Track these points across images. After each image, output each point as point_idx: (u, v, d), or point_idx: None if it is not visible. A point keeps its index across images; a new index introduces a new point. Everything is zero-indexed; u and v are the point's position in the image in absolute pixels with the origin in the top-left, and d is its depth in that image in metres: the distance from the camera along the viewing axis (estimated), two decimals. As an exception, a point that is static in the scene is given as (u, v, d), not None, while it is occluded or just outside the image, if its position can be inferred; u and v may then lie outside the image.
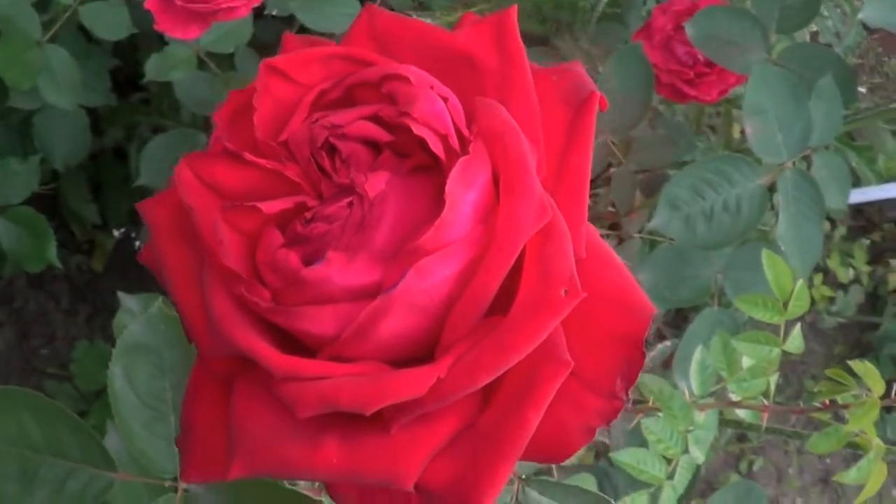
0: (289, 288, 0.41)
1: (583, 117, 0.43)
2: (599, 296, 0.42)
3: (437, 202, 0.40)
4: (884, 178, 1.19)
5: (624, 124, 1.06)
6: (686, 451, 0.83)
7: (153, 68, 1.08)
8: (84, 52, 1.25)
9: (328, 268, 0.40)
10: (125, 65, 1.35)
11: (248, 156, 0.43)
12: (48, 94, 1.12)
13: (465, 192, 0.39)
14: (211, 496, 0.60)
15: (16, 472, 0.65)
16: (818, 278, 2.02)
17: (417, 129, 0.41)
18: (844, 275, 2.06)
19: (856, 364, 0.78)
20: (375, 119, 0.43)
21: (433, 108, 0.41)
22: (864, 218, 2.14)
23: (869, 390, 0.78)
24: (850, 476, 0.80)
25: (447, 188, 0.39)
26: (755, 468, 1.92)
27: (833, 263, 2.05)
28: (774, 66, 0.98)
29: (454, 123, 0.42)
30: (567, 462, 0.92)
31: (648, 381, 0.86)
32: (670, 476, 0.82)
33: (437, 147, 0.41)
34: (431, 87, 0.42)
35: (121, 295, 1.03)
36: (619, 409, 0.41)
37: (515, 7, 0.45)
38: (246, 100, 0.45)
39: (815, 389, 0.81)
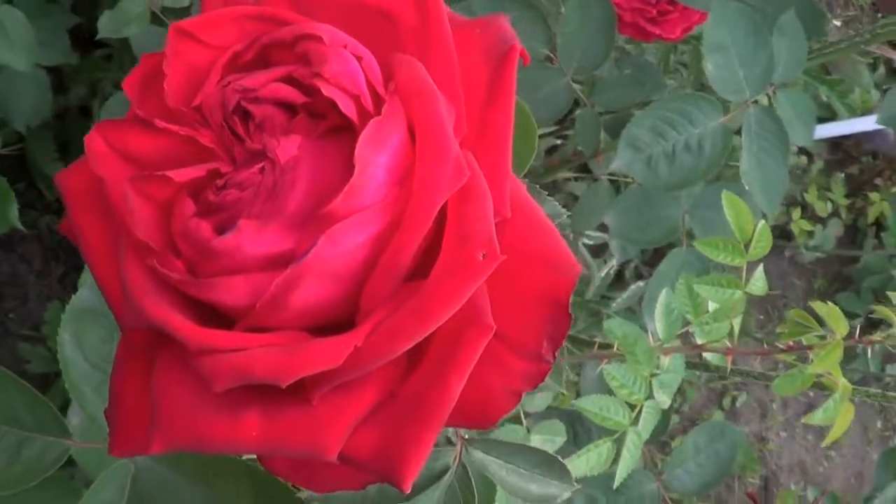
0: (202, 258, 0.40)
1: (503, 72, 0.42)
2: (524, 255, 0.41)
3: (352, 165, 0.39)
4: (857, 112, 1.18)
5: (586, 65, 1.05)
6: (651, 396, 0.82)
7: (106, 25, 1.06)
8: (41, 11, 1.23)
9: (239, 236, 0.38)
10: (88, 22, 1.33)
11: (159, 122, 0.42)
12: (2, 54, 1.09)
13: (375, 154, 0.38)
14: (158, 466, 0.59)
15: (-31, 441, 0.65)
16: (797, 213, 2.01)
17: (328, 91, 0.39)
18: (823, 208, 2.05)
19: (818, 305, 0.77)
20: (289, 80, 0.42)
21: (345, 68, 0.40)
22: (842, 151, 2.12)
23: (832, 332, 0.77)
24: (816, 417, 0.79)
25: (356, 152, 0.37)
26: (738, 404, 1.93)
27: (811, 197, 2.04)
28: (734, 2, 0.96)
29: (369, 83, 0.40)
30: (535, 409, 0.92)
31: (613, 325, 0.85)
32: (635, 422, 0.81)
33: (348, 108, 0.39)
34: (345, 46, 0.40)
35: (85, 255, 1.01)
36: (545, 371, 0.40)
37: (432, -42, 0.43)
38: (159, 65, 0.43)
39: (777, 331, 0.80)
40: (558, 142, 1.36)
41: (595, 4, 1.05)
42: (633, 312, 1.32)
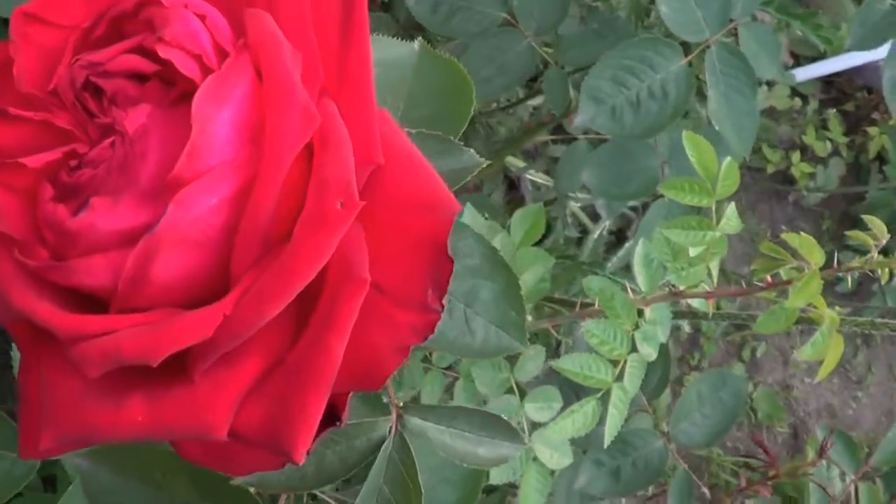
0: (63, 242, 0.38)
1: (353, 12, 0.40)
2: (399, 201, 0.39)
3: (199, 127, 0.37)
4: (834, 44, 1.14)
5: (546, 25, 1.03)
6: (634, 349, 0.80)
7: None
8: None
9: (92, 214, 0.37)
10: None
11: (12, 110, 0.40)
12: None
13: (216, 111, 0.36)
14: (101, 471, 0.57)
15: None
16: (796, 156, 1.97)
17: (165, 52, 0.37)
18: (822, 148, 2.00)
19: (790, 236, 0.74)
20: (140, 51, 0.39)
21: (186, 28, 0.38)
22: (835, 89, 2.08)
23: (808, 263, 0.74)
24: (805, 352, 0.77)
25: (193, 109, 0.35)
26: (759, 354, 1.89)
27: (809, 139, 1.99)
28: (686, -60, 0.94)
29: (214, 42, 0.38)
30: (526, 377, 0.90)
31: (591, 282, 0.83)
32: (619, 378, 0.79)
33: (189, 69, 0.37)
34: (185, 6, 0.38)
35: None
36: (434, 321, 0.38)
37: None
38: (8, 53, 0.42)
39: (752, 268, 0.78)
40: (537, 101, 1.33)
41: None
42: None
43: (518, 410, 0.86)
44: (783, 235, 0.75)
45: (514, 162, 1.29)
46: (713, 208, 0.78)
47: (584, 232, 1.39)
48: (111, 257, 0.37)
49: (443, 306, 0.38)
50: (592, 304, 0.85)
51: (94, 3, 0.41)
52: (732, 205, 0.79)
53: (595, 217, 1.42)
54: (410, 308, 0.38)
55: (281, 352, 0.38)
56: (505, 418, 0.54)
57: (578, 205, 1.31)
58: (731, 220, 0.79)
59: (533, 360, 0.87)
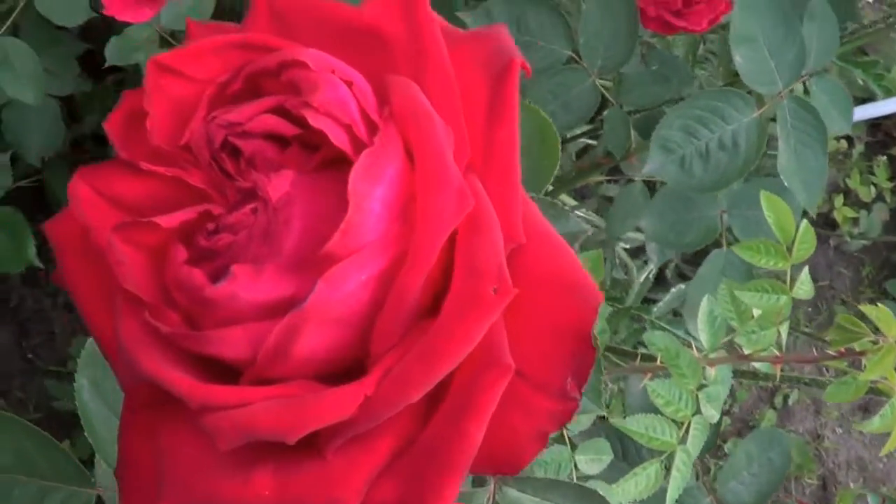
0: (197, 309, 0.38)
1: (504, 87, 0.39)
2: (541, 284, 0.39)
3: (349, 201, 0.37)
4: (894, 92, 1.15)
5: (611, 63, 1.02)
6: (698, 411, 0.80)
7: (113, 52, 1.05)
8: (50, 39, 1.22)
9: (234, 284, 0.36)
10: (98, 47, 1.32)
11: (144, 165, 0.40)
12: (11, 88, 1.08)
13: (371, 187, 0.36)
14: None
15: (-10, 497, 0.65)
16: (839, 199, 1.97)
17: (316, 121, 0.37)
18: (867, 193, 2.00)
19: (868, 308, 0.74)
20: (279, 111, 0.40)
21: (335, 95, 0.38)
22: (882, 132, 2.08)
23: (883, 335, 0.74)
24: (873, 425, 0.77)
25: (350, 186, 0.35)
26: (791, 402, 1.89)
27: (854, 183, 1.99)
28: (761, -10, 0.94)
29: (361, 109, 0.38)
30: (580, 429, 0.89)
31: (655, 338, 0.82)
32: (683, 440, 0.79)
33: (340, 139, 0.37)
34: (333, 71, 0.38)
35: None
36: (572, 409, 0.38)
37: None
38: (142, 103, 0.42)
39: (828, 338, 0.77)
40: (592, 142, 1.33)
41: (617, 0, 1.03)
42: (677, 315, 1.29)
43: (568, 461, 0.86)
44: (861, 307, 0.75)
45: (567, 200, 1.29)
46: (787, 271, 0.78)
47: (625, 272, 1.39)
48: (251, 329, 0.36)
49: (581, 394, 0.38)
50: (650, 356, 0.85)
51: (228, 57, 0.41)
52: (806, 269, 0.79)
53: (633, 254, 1.42)
54: (549, 395, 0.38)
55: (413, 432, 0.38)
56: (599, 492, 0.54)
57: (626, 246, 1.31)
58: (804, 285, 0.79)
59: (587, 414, 0.87)
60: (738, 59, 0.90)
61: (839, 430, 1.92)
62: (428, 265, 0.36)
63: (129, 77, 1.37)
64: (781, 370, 0.85)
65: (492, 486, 0.51)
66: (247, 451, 0.37)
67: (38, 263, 1.16)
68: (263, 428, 0.36)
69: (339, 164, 0.39)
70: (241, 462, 0.38)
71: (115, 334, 0.40)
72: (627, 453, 1.00)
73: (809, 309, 1.94)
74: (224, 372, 0.38)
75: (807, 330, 1.83)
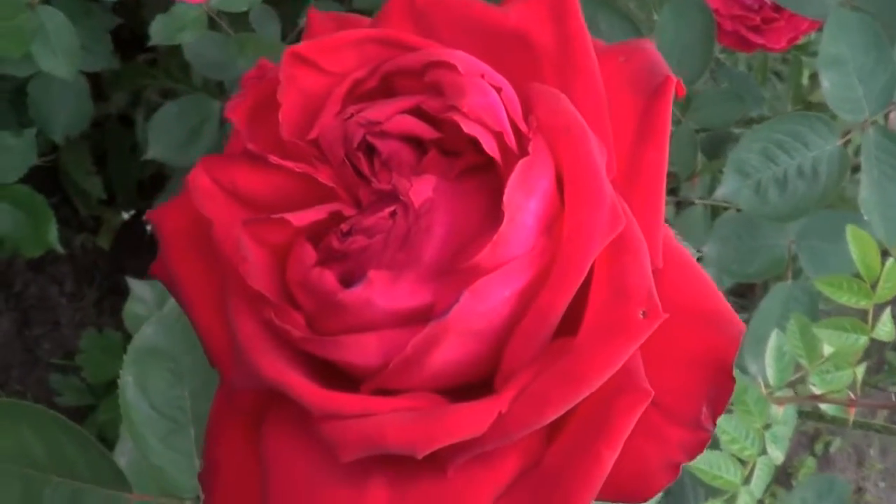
0: (325, 312, 0.39)
1: (657, 106, 0.41)
2: (680, 311, 0.39)
3: (493, 210, 0.38)
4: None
5: (683, 78, 1.03)
6: (763, 451, 0.81)
7: (159, 31, 1.06)
8: (82, 12, 1.22)
9: (370, 289, 0.37)
10: (129, 23, 1.33)
11: (273, 158, 0.41)
12: (44, 61, 1.09)
13: (526, 200, 0.37)
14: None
15: (18, 494, 0.64)
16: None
17: (468, 127, 0.38)
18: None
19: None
20: (418, 113, 0.41)
21: (485, 101, 0.39)
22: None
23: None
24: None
25: (506, 197, 0.36)
26: (832, 450, 1.90)
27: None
28: (853, 11, 0.95)
29: (510, 118, 0.39)
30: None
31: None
32: (747, 480, 0.80)
33: (490, 147, 0.38)
34: (482, 76, 0.39)
35: (131, 281, 1.02)
36: (705, 440, 0.39)
37: (575, -25, 0.43)
38: (267, 93, 0.43)
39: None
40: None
41: (692, 12, 1.04)
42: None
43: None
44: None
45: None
46: (870, 311, 0.79)
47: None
48: (385, 336, 0.37)
49: (715, 425, 0.39)
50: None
51: (366, 52, 0.43)
52: (888, 309, 0.81)
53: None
54: (683, 425, 0.39)
55: (536, 453, 0.39)
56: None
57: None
58: (885, 325, 0.80)
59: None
60: (825, 82, 0.91)
61: (882, 485, 1.93)
62: (576, 283, 0.37)
63: (162, 57, 1.38)
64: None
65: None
66: (362, 463, 0.38)
67: (59, 248, 1.16)
68: (393, 440, 0.37)
69: (479, 172, 0.40)
70: (355, 474, 0.39)
71: (225, 333, 0.42)
72: (670, 493, 1.01)
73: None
74: (336, 379, 0.39)
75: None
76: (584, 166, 0.38)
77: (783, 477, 1.83)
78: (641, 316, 0.37)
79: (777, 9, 1.08)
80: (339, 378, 0.39)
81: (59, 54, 1.10)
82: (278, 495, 0.40)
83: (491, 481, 0.38)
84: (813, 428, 1.91)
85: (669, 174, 1.15)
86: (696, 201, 1.13)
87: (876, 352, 1.98)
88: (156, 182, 1.53)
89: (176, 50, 1.18)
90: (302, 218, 0.40)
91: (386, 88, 0.42)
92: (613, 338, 0.37)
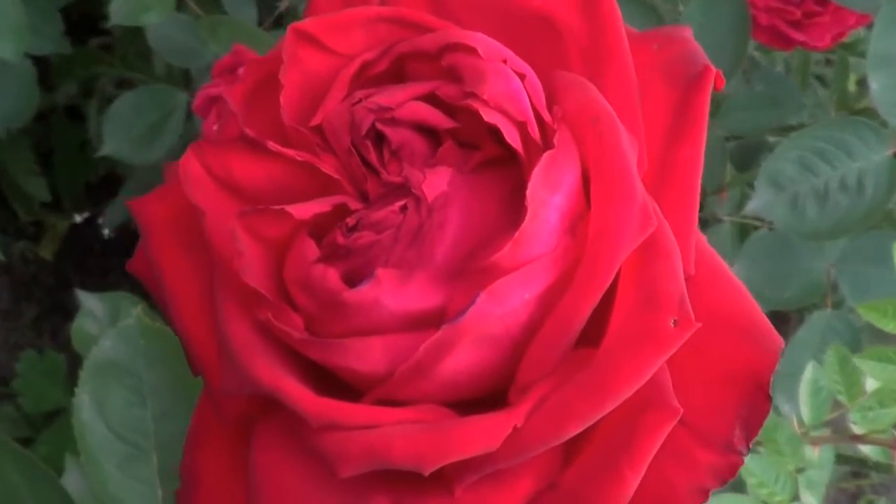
0: (327, 313, 0.41)
1: (694, 100, 0.43)
2: (713, 322, 0.41)
3: (512, 207, 0.40)
4: None
5: (717, 91, 1.05)
6: (797, 497, 0.83)
7: (120, 10, 1.08)
8: (32, -13, 1.24)
9: (377, 289, 0.39)
10: (81, 2, 1.34)
11: (272, 145, 0.43)
12: (-13, 40, 1.11)
13: (550, 196, 0.39)
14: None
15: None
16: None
17: (488, 115, 0.40)
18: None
19: None
20: (433, 100, 0.43)
21: (508, 88, 0.41)
22: None
23: None
24: None
25: (529, 191, 0.38)
26: (877, 510, 1.92)
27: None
28: (906, 4, 0.97)
29: (533, 107, 0.41)
30: None
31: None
32: (776, 529, 0.82)
33: (513, 138, 0.40)
34: (505, 61, 0.42)
35: (80, 294, 1.03)
36: (737, 465, 0.41)
37: (606, -47, 0.45)
38: (266, 74, 0.45)
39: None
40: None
41: (723, 2, 1.06)
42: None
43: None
44: None
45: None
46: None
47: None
48: (392, 341, 0.39)
49: (749, 448, 0.41)
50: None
51: (376, 32, 0.45)
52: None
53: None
54: (713, 447, 0.41)
55: (551, 473, 0.41)
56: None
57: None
58: (934, 356, 0.83)
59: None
60: (874, 84, 0.93)
61: (929, 551, 1.95)
62: (602, 288, 0.39)
63: (118, 42, 1.40)
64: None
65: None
66: (362, 480, 0.40)
67: (-1, 256, 1.18)
68: (398, 455, 0.39)
69: (497, 165, 0.43)
70: (354, 492, 0.41)
71: (214, 335, 0.44)
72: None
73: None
74: (336, 387, 0.41)
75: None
76: (613, 161, 0.40)
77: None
78: (672, 325, 0.39)
79: (821, 2, 1.10)
80: (340, 387, 0.41)
81: (4, 34, 1.12)
82: (267, 508, 0.42)
83: (504, 503, 0.41)
84: (853, 485, 1.92)
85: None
86: (724, 218, 1.15)
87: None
88: (107, 184, 1.54)
89: (135, 34, 1.20)
90: (304, 210, 0.42)
91: (398, 72, 0.44)
92: (641, 348, 0.39)
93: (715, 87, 0.44)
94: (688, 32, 0.45)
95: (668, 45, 0.45)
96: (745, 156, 1.15)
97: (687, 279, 0.41)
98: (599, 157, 0.40)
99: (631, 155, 0.41)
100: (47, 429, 1.45)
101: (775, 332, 0.42)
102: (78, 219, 1.59)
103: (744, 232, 1.16)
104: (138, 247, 0.47)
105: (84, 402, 0.73)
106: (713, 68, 0.43)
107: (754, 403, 0.41)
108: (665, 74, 0.44)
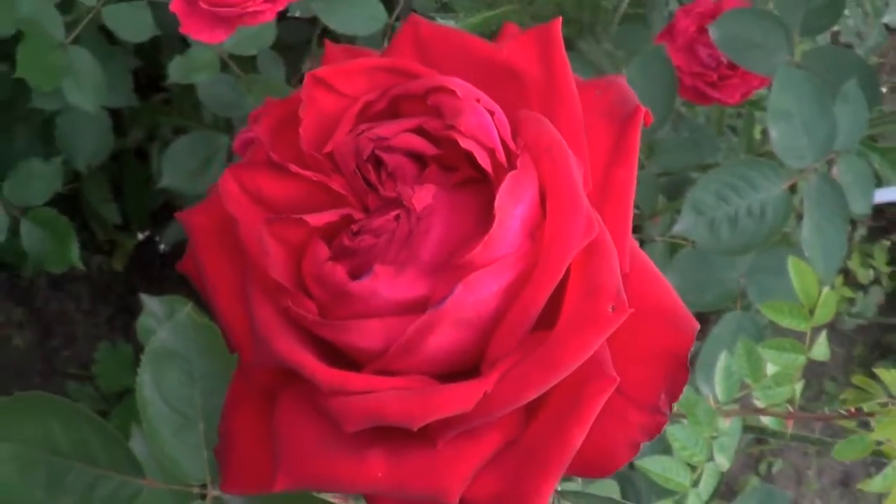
0: (335, 301, 0.41)
1: (628, 132, 0.43)
2: (643, 310, 0.41)
3: (484, 216, 0.40)
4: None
5: (647, 127, 1.06)
6: (711, 458, 0.83)
7: (176, 71, 1.08)
8: (106, 54, 1.24)
9: (375, 281, 0.40)
10: (147, 65, 1.35)
11: (293, 167, 0.43)
12: (72, 95, 1.11)
13: (513, 206, 0.39)
14: (242, 504, 0.60)
15: (42, 479, 0.65)
16: (838, 279, 2.01)
17: (465, 143, 0.41)
18: (865, 276, 2.05)
19: (883, 373, 0.78)
20: (420, 132, 0.43)
21: (480, 122, 0.41)
22: (885, 219, 2.13)
23: (894, 398, 0.78)
24: (874, 485, 0.80)
25: (497, 203, 0.39)
26: (774, 470, 1.92)
27: (853, 264, 2.04)
28: (798, 70, 0.98)
29: (500, 137, 0.42)
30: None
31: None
32: (695, 483, 0.82)
33: (484, 161, 0.41)
34: (478, 101, 0.42)
35: (144, 297, 1.03)
36: (662, 423, 0.41)
37: (560, 19, 0.45)
38: (288, 111, 0.45)
39: (841, 398, 0.81)
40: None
41: (658, 65, 1.06)
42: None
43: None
44: (876, 370, 0.78)
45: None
46: (808, 333, 0.82)
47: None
48: (387, 323, 0.40)
49: (671, 410, 0.41)
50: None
51: (375, 79, 0.45)
52: (824, 333, 0.83)
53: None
54: (643, 409, 0.41)
55: (516, 431, 0.41)
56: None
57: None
58: (820, 347, 0.83)
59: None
60: (773, 132, 0.93)
61: (818, 503, 1.95)
62: (555, 281, 0.39)
63: (176, 97, 1.40)
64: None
65: (552, 499, 0.55)
66: (364, 435, 0.40)
67: (80, 265, 1.18)
68: (391, 413, 0.39)
69: (473, 184, 0.43)
70: (357, 445, 0.41)
71: (245, 319, 0.44)
72: (627, 499, 1.03)
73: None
74: (341, 362, 0.41)
75: (798, 404, 1.86)
76: (563, 181, 0.40)
77: (730, 494, 1.85)
78: (610, 311, 0.39)
79: (732, 66, 1.10)
80: (345, 361, 0.41)
81: (86, 90, 1.12)
82: (288, 462, 0.42)
83: (475, 454, 0.40)
84: (758, 450, 1.93)
85: (633, 213, 1.17)
86: (657, 238, 1.15)
87: (817, 383, 2.01)
88: (166, 210, 1.55)
89: (188, 90, 1.20)
90: (317, 219, 0.42)
91: (393, 110, 0.44)
92: (585, 329, 0.39)
93: (644, 124, 0.44)
94: (623, 80, 0.45)
95: (608, 89, 0.45)
96: (673, 188, 1.16)
97: (623, 276, 0.41)
98: (553, 178, 0.41)
99: (578, 176, 0.41)
100: (119, 405, 1.45)
101: (692, 318, 0.42)
102: (140, 237, 1.59)
103: (673, 249, 1.16)
104: (186, 250, 0.47)
105: (145, 381, 0.73)
106: (643, 108, 0.44)
107: (676, 374, 0.42)
108: (605, 113, 0.44)
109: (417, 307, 0.39)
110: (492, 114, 0.42)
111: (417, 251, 0.41)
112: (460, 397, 0.39)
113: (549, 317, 0.40)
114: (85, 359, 1.57)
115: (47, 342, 1.60)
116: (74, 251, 1.18)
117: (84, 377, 1.56)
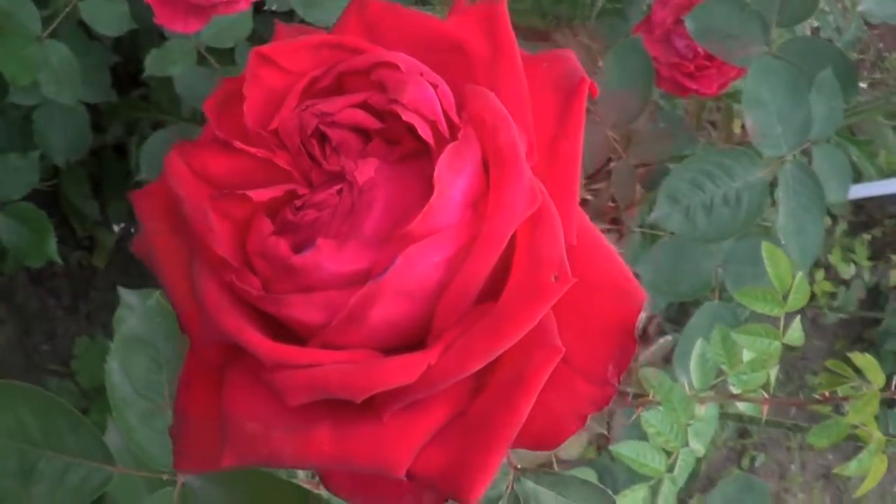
0: (279, 275, 0.41)
1: (573, 103, 0.43)
2: (591, 282, 0.42)
3: (427, 189, 0.40)
4: (884, 173, 1.19)
5: (624, 118, 1.06)
6: (686, 444, 0.83)
7: (153, 63, 1.08)
8: (84, 49, 1.24)
9: (318, 255, 0.40)
10: (126, 61, 1.35)
11: (237, 144, 0.43)
12: (49, 89, 1.12)
13: (454, 178, 0.39)
14: (208, 489, 0.60)
15: (14, 467, 0.65)
16: (819, 274, 2.02)
17: (406, 116, 0.41)
18: (846, 270, 2.06)
19: (856, 356, 0.78)
20: (365, 106, 0.43)
21: (422, 95, 0.41)
22: (866, 213, 2.14)
23: (869, 382, 0.78)
24: (850, 468, 0.80)
25: (436, 174, 0.39)
26: (757, 464, 1.92)
27: (835, 259, 2.05)
28: (774, 59, 0.98)
29: (444, 110, 0.42)
30: (567, 456, 0.93)
31: (649, 374, 0.86)
32: (670, 469, 0.82)
33: (426, 133, 0.41)
34: (421, 74, 0.42)
35: (120, 290, 1.03)
36: (610, 395, 0.41)
37: (507, -5, 0.45)
38: (236, 88, 0.45)
39: (816, 382, 0.81)
40: (589, 197, 1.37)
41: (634, 57, 1.07)
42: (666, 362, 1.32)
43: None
44: (850, 354, 0.78)
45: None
46: (781, 319, 0.82)
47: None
48: (330, 296, 0.39)
49: (620, 381, 0.41)
50: (640, 395, 0.88)
51: (321, 55, 0.45)
52: (798, 318, 0.83)
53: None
54: (591, 381, 0.41)
55: (463, 402, 0.41)
56: (611, 494, 0.57)
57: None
58: (795, 332, 0.83)
59: (577, 441, 0.91)
60: (748, 121, 0.93)
61: (801, 496, 1.95)
62: (498, 250, 0.39)
63: (154, 92, 1.41)
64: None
65: (511, 475, 0.55)
66: (309, 410, 0.40)
67: (58, 259, 1.18)
68: (334, 386, 0.39)
69: (416, 157, 0.43)
70: (303, 419, 0.41)
71: (193, 296, 0.44)
72: (605, 485, 1.02)
73: (782, 377, 1.98)
74: (287, 336, 0.41)
75: (779, 396, 1.86)
76: (506, 152, 0.40)
77: (712, 488, 1.85)
78: (553, 280, 0.39)
79: (709, 58, 1.10)
80: (290, 335, 0.41)
81: (63, 84, 1.13)
82: (235, 439, 0.42)
83: (422, 426, 0.40)
84: (740, 444, 1.93)
85: (611, 204, 1.17)
86: (635, 229, 1.15)
87: (798, 377, 2.01)
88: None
89: (166, 85, 1.20)
90: (261, 195, 0.42)
91: (338, 86, 0.44)
92: (529, 299, 0.39)
93: (590, 95, 0.44)
94: (571, 53, 0.45)
95: (556, 63, 0.45)
96: (651, 179, 1.15)
97: (570, 248, 0.41)
98: (496, 149, 0.41)
99: (521, 147, 0.41)
100: (98, 400, 1.45)
101: (641, 289, 0.42)
102: (116, 229, 1.59)
103: (653, 240, 1.17)
104: (137, 230, 0.47)
105: (114, 369, 0.73)
106: (588, 80, 0.44)
107: (624, 346, 0.42)
108: (553, 85, 0.44)
109: (360, 280, 0.39)
110: (435, 87, 0.42)
111: (360, 224, 0.41)
112: (403, 369, 0.39)
113: (495, 289, 0.40)
114: (65, 355, 1.57)
115: (27, 339, 1.60)
116: (52, 245, 1.18)
117: (64, 373, 1.56)
